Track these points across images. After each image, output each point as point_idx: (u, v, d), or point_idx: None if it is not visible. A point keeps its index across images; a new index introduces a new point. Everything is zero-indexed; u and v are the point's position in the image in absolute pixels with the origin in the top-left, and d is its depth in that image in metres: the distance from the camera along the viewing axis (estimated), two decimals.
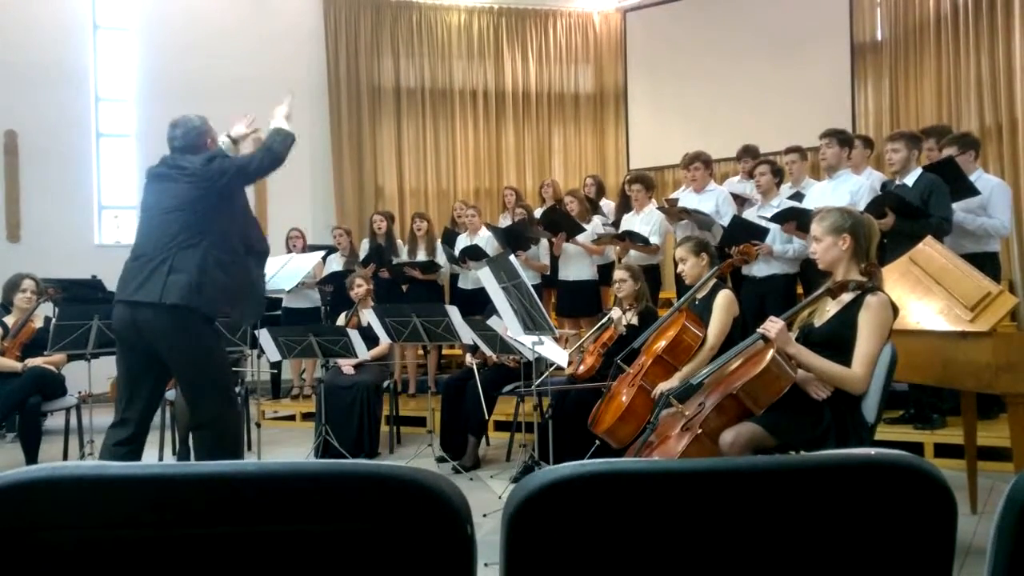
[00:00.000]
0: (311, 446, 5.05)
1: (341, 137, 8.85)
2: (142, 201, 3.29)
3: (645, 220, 5.77)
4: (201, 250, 3.05)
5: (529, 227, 6.11)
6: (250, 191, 9.45)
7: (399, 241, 6.96)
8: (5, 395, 4.63)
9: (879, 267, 2.78)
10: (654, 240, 5.65)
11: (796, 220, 4.66)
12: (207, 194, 3.14)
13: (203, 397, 3.16)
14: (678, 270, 4.00)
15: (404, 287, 6.59)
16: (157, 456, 4.98)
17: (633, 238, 5.61)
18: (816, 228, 2.78)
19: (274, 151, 3.30)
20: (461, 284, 6.61)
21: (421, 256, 6.51)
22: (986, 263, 4.04)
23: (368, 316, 4.99)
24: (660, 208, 5.69)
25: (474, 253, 6.11)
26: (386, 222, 6.76)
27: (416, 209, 8.37)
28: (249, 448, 5.07)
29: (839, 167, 4.79)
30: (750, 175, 5.59)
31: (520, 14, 9.36)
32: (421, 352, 6.57)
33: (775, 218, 4.78)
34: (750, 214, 5.23)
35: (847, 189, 4.64)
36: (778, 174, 5.26)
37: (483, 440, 4.96)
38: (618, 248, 5.98)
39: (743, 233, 4.77)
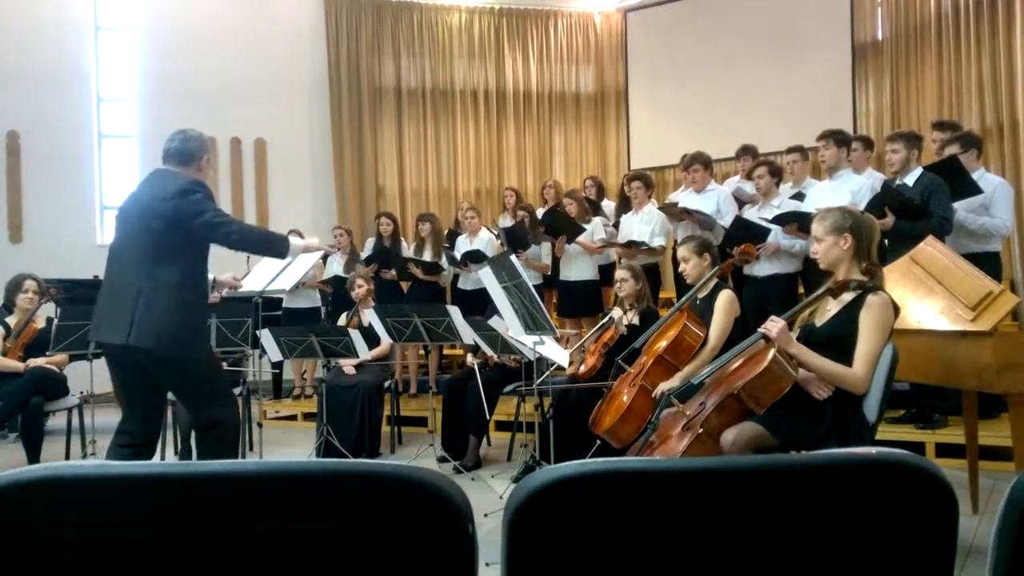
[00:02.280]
0: (313, 446, 5.06)
1: (342, 137, 8.85)
2: (122, 206, 3.16)
3: (645, 220, 5.77)
4: (164, 287, 2.93)
5: (531, 230, 6.11)
6: (250, 193, 9.43)
7: (403, 242, 6.96)
8: (7, 395, 4.64)
9: (880, 267, 2.78)
10: (658, 242, 5.64)
11: (797, 221, 4.66)
12: (178, 225, 2.97)
13: (200, 404, 3.15)
14: (680, 270, 4.00)
15: (405, 287, 6.60)
16: (159, 456, 4.98)
17: (638, 247, 5.61)
18: (817, 228, 2.78)
19: (261, 244, 3.21)
20: (462, 284, 6.60)
21: (427, 257, 6.50)
22: (987, 262, 4.03)
23: (369, 316, 4.99)
24: (661, 208, 5.69)
25: (475, 256, 6.11)
26: (392, 224, 6.75)
27: (418, 209, 8.37)
28: (251, 448, 5.07)
29: (839, 167, 4.79)
30: (749, 176, 5.59)
31: (521, 14, 9.36)
32: (422, 352, 6.58)
33: (776, 219, 4.79)
34: (751, 214, 5.23)
35: (848, 189, 4.64)
36: (776, 174, 5.25)
37: (484, 440, 4.96)
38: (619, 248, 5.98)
39: (745, 233, 4.77)
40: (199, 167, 3.20)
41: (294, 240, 3.29)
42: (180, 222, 2.98)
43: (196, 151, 3.18)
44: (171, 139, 3.18)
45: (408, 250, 6.73)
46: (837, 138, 4.81)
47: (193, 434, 3.45)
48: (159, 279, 2.94)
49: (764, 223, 4.86)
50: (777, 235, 4.91)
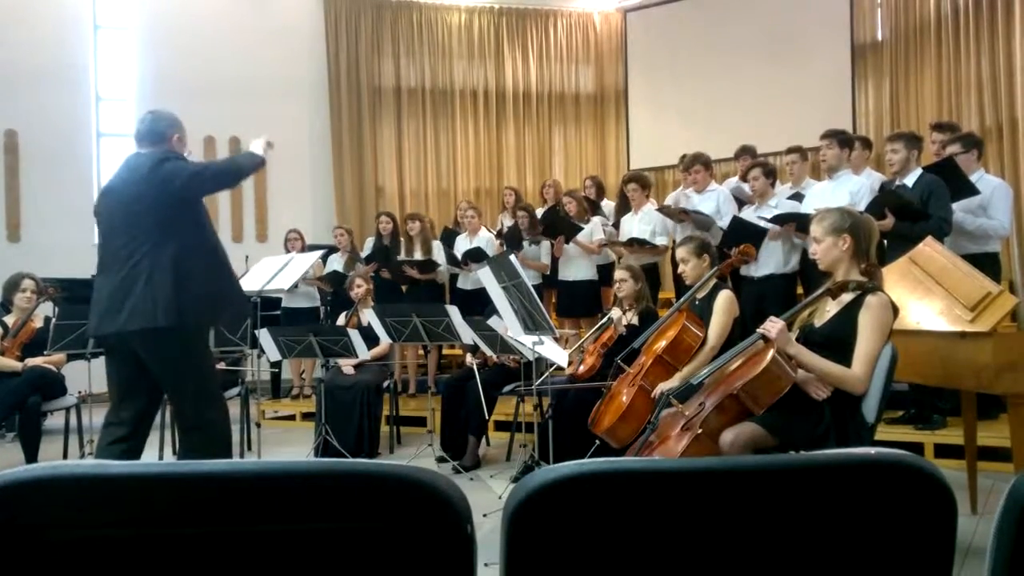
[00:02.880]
0: (311, 446, 5.05)
1: (341, 137, 8.85)
2: (100, 202, 3.12)
3: (644, 220, 5.77)
4: (171, 264, 2.91)
5: (530, 229, 6.11)
6: (249, 192, 9.39)
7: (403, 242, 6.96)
8: (5, 395, 4.63)
9: (879, 267, 2.78)
10: (660, 241, 5.65)
11: (796, 221, 4.67)
12: (163, 199, 2.94)
13: (190, 403, 3.12)
14: (679, 270, 4.00)
15: (403, 287, 6.60)
16: (157, 456, 4.98)
17: (641, 244, 5.60)
18: (816, 229, 2.78)
19: (238, 166, 3.16)
20: (461, 284, 6.60)
21: (417, 256, 6.50)
22: (986, 263, 4.03)
23: (368, 316, 4.99)
24: (660, 209, 5.70)
25: (475, 255, 6.11)
26: (392, 224, 6.76)
27: (417, 209, 8.38)
28: (249, 448, 5.07)
29: (839, 168, 4.79)
30: (744, 177, 5.59)
31: (520, 14, 9.36)
32: (421, 352, 6.57)
33: (775, 220, 4.79)
34: (748, 214, 5.23)
35: (847, 190, 4.64)
36: (771, 174, 5.25)
37: (483, 440, 4.96)
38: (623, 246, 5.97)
39: (743, 234, 4.77)
40: (171, 146, 3.13)
41: (257, 148, 3.26)
42: (162, 197, 2.95)
43: (166, 129, 3.12)
44: (141, 120, 3.12)
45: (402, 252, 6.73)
46: (840, 138, 4.82)
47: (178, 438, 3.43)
48: (163, 259, 2.91)
49: (763, 222, 4.86)
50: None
